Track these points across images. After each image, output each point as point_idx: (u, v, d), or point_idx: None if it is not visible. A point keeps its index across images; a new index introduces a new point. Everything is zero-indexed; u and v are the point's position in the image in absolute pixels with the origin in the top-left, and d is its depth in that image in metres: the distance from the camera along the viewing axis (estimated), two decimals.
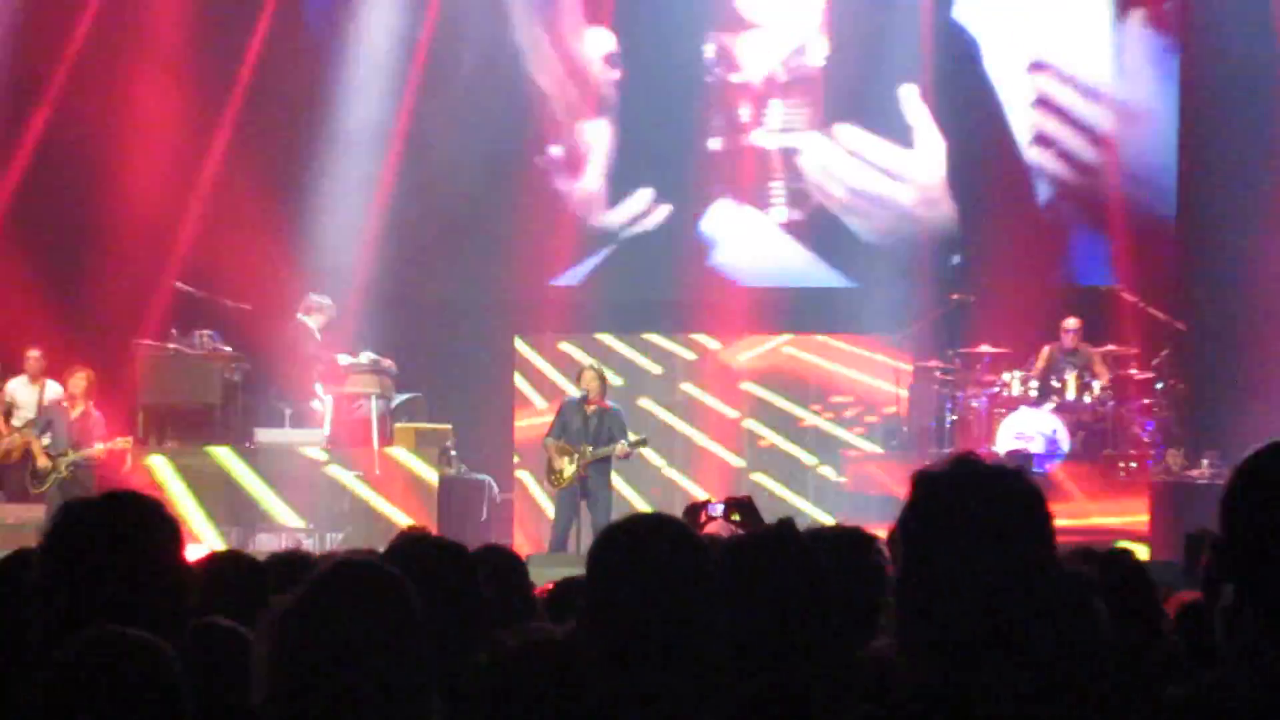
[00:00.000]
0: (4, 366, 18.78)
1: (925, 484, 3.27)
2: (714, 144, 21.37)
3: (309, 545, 16.22)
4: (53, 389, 18.41)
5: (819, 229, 21.22)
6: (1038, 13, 21.05)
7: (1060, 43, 21.11)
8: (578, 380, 18.09)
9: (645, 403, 20.59)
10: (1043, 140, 21.09)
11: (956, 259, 19.77)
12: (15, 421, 18.29)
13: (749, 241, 21.36)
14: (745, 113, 21.43)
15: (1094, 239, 21.17)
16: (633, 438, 17.50)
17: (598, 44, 21.48)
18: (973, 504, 3.21)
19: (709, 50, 21.40)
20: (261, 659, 3.52)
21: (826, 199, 21.20)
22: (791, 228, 21.30)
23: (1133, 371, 18.97)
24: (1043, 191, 21.20)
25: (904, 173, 21.09)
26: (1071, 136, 21.09)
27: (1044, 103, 21.10)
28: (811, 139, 21.19)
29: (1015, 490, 3.24)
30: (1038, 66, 21.04)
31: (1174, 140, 20.90)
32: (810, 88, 21.29)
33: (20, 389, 18.52)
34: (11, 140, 20.22)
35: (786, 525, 4.40)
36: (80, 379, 18.05)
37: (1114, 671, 4.06)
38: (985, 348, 19.02)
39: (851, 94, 21.09)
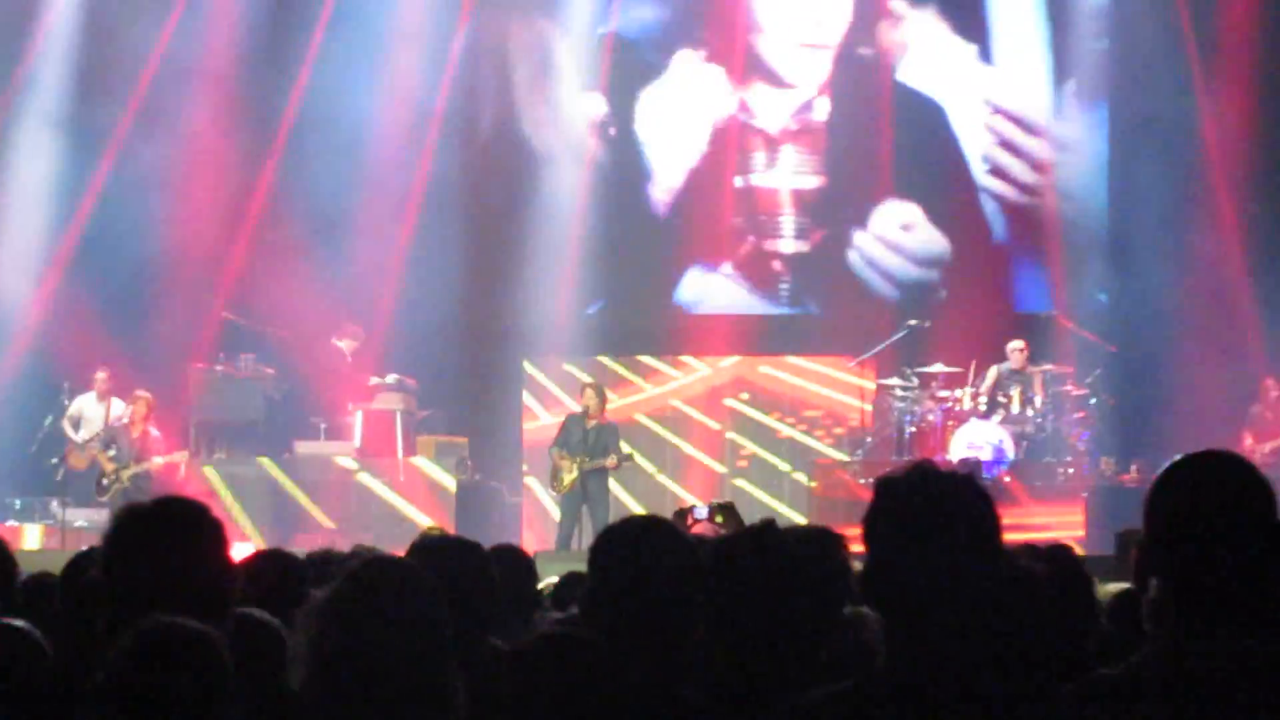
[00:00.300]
0: (74, 385, 18.77)
1: (886, 488, 3.27)
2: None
3: (341, 545, 16.19)
4: (116, 405, 18.43)
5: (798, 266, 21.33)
6: (985, 74, 21.11)
7: (1005, 93, 21.15)
8: (579, 397, 18.10)
9: (639, 417, 20.58)
10: (992, 180, 21.17)
11: (913, 322, 19.79)
12: (83, 433, 18.32)
13: (728, 279, 21.40)
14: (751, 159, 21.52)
15: (1036, 272, 21.19)
16: (624, 450, 17.49)
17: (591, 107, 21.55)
18: (929, 506, 3.21)
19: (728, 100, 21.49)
20: (300, 645, 3.53)
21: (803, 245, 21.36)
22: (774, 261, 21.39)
23: (1069, 388, 18.96)
24: (995, 231, 21.26)
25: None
26: (1013, 188, 21.16)
27: (992, 155, 21.17)
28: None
29: (966, 493, 3.24)
30: (988, 123, 21.13)
31: (1105, 185, 20.96)
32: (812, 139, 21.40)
33: (88, 405, 18.56)
34: (83, 183, 20.18)
35: (767, 525, 4.40)
36: (141, 404, 18.06)
37: (1055, 652, 4.06)
38: (939, 367, 18.99)
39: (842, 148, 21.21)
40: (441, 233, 20.87)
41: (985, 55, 21.23)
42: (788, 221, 21.47)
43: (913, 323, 19.64)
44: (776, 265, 21.46)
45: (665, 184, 21.51)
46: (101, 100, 20.12)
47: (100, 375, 18.59)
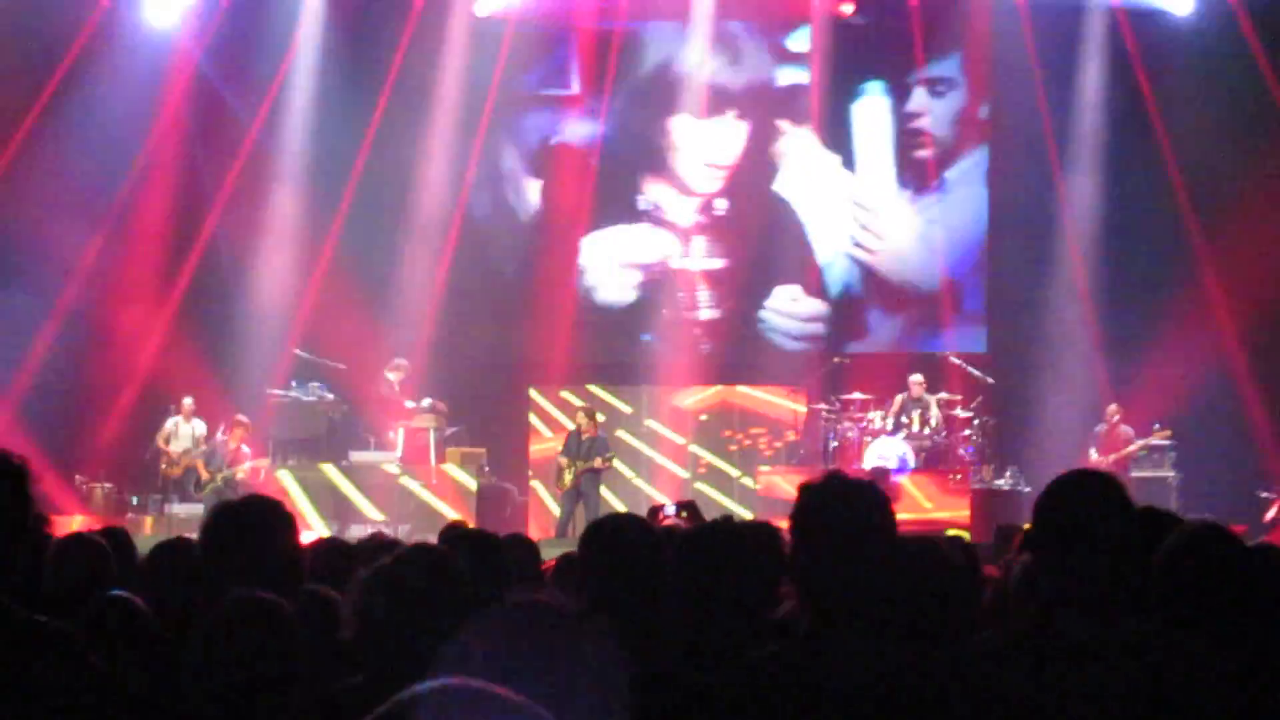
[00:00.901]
0: (167, 409, 18.75)
1: (806, 492, 3.32)
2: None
3: (387, 533, 16.16)
4: (199, 426, 18.42)
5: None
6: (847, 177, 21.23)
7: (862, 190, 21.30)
8: (575, 418, 18.15)
9: (620, 432, 20.54)
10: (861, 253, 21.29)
11: (836, 360, 19.88)
12: (174, 447, 18.32)
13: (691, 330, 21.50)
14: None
15: (932, 322, 21.24)
16: (609, 456, 17.63)
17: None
18: (838, 505, 3.25)
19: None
20: (350, 608, 3.55)
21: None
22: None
23: (957, 411, 19.00)
24: (893, 289, 21.36)
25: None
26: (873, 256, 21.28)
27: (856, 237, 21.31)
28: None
29: (868, 495, 3.29)
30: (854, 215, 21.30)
31: (983, 252, 21.05)
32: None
33: (179, 424, 18.53)
34: (188, 244, 20.18)
35: (723, 520, 4.40)
36: (240, 428, 18.07)
37: (951, 619, 4.06)
38: (857, 394, 19.05)
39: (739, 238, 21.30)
40: (467, 286, 20.92)
41: (849, 164, 21.35)
42: (703, 295, 21.54)
43: (836, 359, 19.74)
44: (696, 331, 21.51)
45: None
46: (203, 177, 20.15)
47: (186, 401, 18.58)
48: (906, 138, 21.23)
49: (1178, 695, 3.01)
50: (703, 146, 21.47)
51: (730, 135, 21.52)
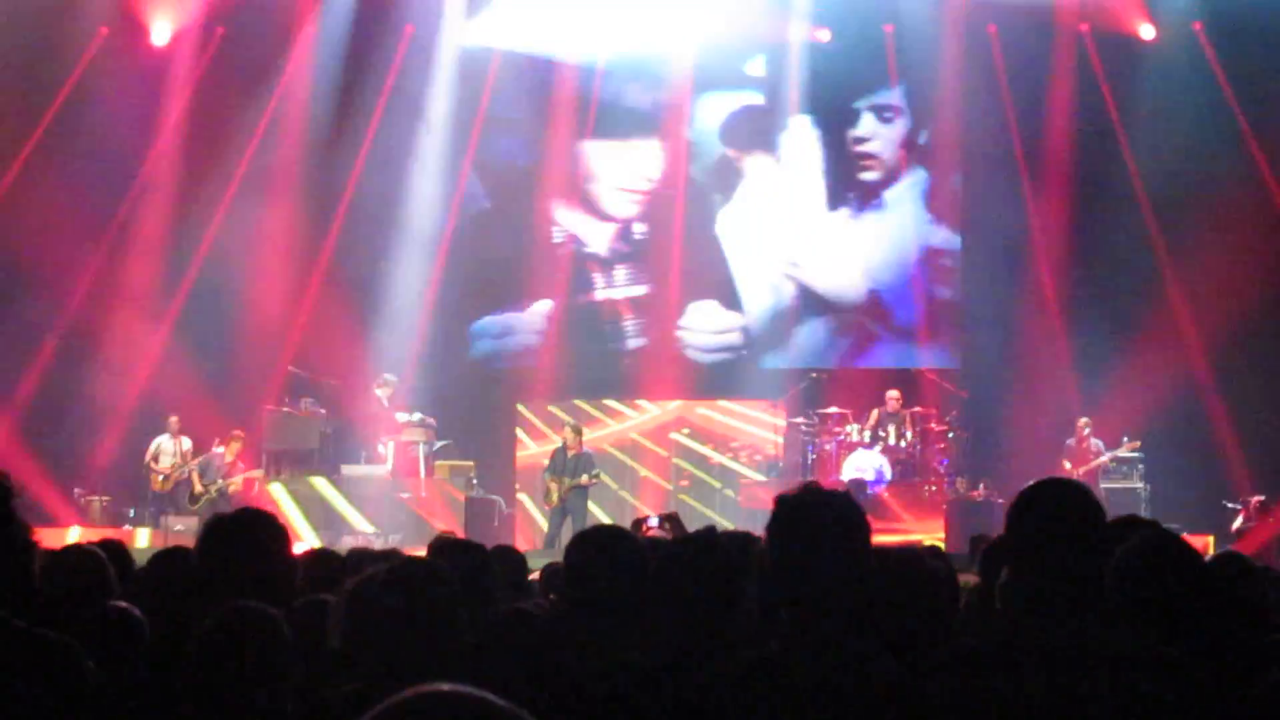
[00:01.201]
0: (156, 426, 18.73)
1: (782, 503, 3.32)
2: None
3: (377, 544, 16.13)
4: (185, 442, 18.43)
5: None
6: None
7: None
8: (561, 433, 18.13)
9: (605, 446, 20.54)
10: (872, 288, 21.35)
11: (814, 374, 19.88)
12: (162, 464, 18.31)
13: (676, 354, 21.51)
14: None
15: (908, 338, 21.26)
16: (595, 473, 17.59)
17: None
18: (812, 516, 3.26)
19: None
20: (339, 616, 3.55)
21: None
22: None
23: (932, 425, 19.00)
24: (876, 309, 21.39)
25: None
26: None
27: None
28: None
29: (841, 507, 3.29)
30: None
31: (960, 274, 21.10)
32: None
33: (165, 442, 18.51)
34: (183, 265, 20.14)
35: (709, 531, 4.40)
36: (237, 441, 18.07)
37: (929, 626, 4.06)
38: (835, 409, 19.05)
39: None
40: (455, 306, 20.92)
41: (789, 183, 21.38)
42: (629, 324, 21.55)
43: (814, 375, 19.74)
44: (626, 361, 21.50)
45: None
46: (200, 198, 20.12)
47: (172, 419, 18.58)
48: (849, 160, 21.26)
49: (1149, 701, 3.02)
50: (618, 171, 21.46)
51: (646, 158, 21.50)
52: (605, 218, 21.57)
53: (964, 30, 20.53)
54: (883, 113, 21.28)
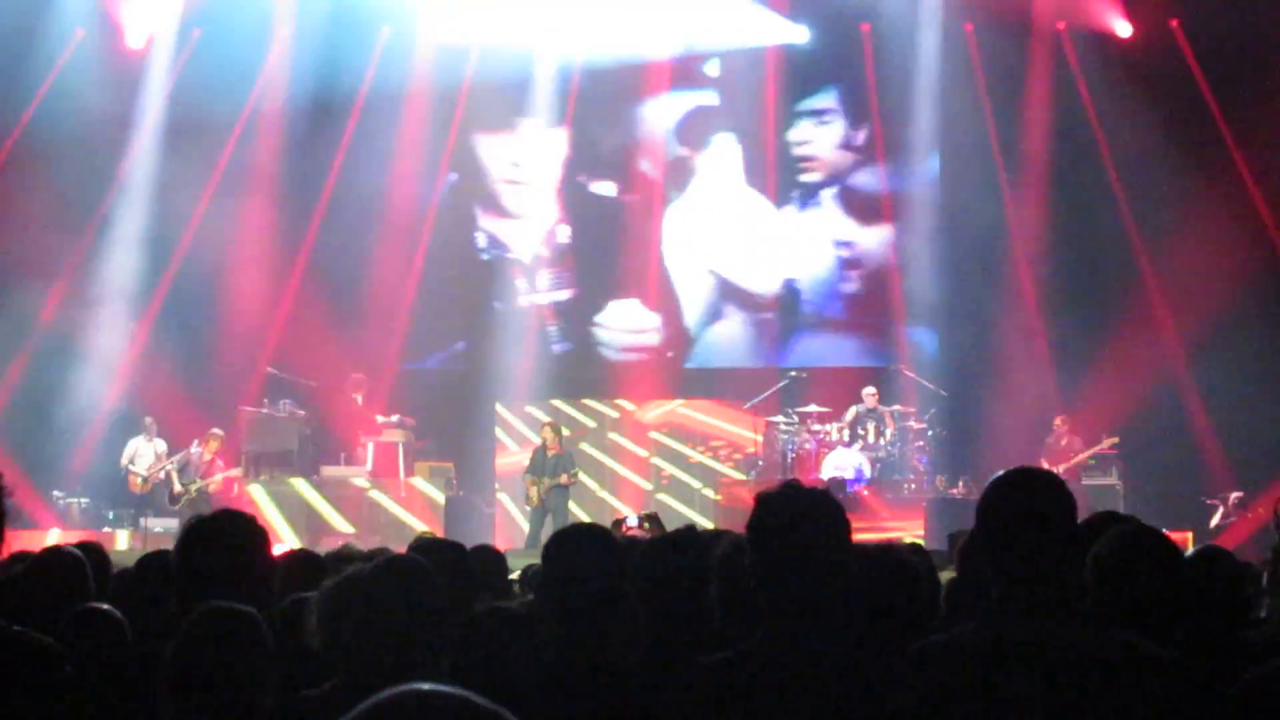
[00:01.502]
0: (134, 428, 18.68)
1: (762, 501, 3.33)
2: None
3: (356, 546, 16.11)
4: (160, 444, 18.37)
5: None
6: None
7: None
8: (540, 433, 18.12)
9: (585, 446, 20.54)
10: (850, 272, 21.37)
11: (794, 373, 19.89)
12: (138, 466, 18.25)
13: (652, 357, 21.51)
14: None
15: (888, 337, 21.28)
16: (573, 472, 17.56)
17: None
18: (792, 513, 3.28)
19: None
20: (318, 617, 3.55)
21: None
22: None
23: (911, 423, 19.03)
24: (855, 307, 21.42)
25: None
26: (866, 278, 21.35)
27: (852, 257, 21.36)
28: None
29: (822, 504, 3.30)
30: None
31: (936, 270, 21.11)
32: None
33: (141, 444, 18.45)
34: (162, 264, 20.08)
35: (686, 530, 4.40)
36: (215, 440, 18.03)
37: (909, 621, 4.07)
38: (814, 407, 19.05)
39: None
40: (435, 305, 20.89)
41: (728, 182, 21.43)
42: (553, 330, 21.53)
43: (794, 374, 19.74)
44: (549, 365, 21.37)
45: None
46: (179, 197, 20.05)
47: (148, 420, 18.53)
48: (791, 160, 21.30)
49: (1124, 694, 3.03)
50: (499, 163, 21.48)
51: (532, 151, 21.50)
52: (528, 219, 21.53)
53: (941, 28, 20.57)
54: (822, 116, 21.36)
